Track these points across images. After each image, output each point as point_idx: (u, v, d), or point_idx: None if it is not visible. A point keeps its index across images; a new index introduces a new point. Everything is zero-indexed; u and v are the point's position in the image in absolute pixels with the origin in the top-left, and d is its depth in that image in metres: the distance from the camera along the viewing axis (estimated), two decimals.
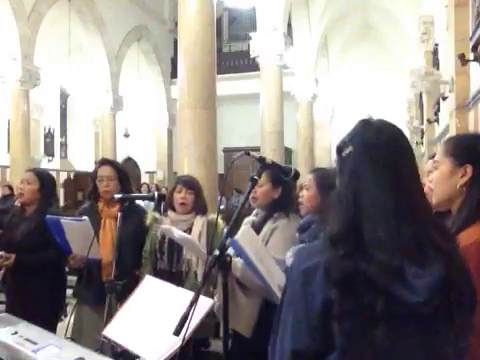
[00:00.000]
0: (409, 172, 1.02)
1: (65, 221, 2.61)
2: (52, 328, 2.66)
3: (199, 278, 2.57)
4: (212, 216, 2.79)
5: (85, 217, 2.63)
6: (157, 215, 2.80)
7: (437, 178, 1.48)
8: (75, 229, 2.61)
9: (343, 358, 0.92)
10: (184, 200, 2.71)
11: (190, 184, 2.78)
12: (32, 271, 2.86)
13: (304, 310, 0.96)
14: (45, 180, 3.09)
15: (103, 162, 3.01)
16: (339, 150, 1.07)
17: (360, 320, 0.90)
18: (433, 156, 2.02)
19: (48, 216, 2.68)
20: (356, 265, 0.91)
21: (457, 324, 0.94)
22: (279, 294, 2.03)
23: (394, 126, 1.07)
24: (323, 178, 2.26)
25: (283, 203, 2.47)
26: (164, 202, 2.82)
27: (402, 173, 1.00)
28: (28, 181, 3.01)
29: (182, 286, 2.23)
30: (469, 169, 1.40)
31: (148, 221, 2.78)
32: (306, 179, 2.31)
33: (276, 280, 2.07)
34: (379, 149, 1.00)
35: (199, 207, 2.77)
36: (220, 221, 2.78)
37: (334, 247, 0.95)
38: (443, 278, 0.90)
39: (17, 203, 3.17)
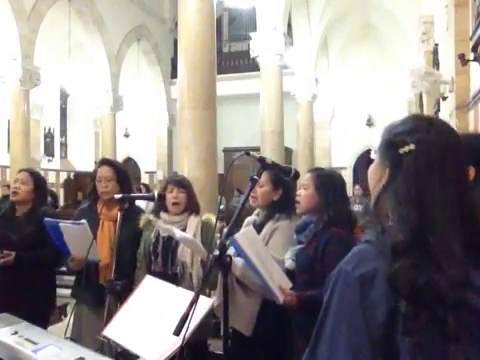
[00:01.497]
0: (465, 177, 0.98)
1: (64, 225, 2.60)
2: (43, 326, 2.65)
3: (194, 280, 2.55)
4: (206, 216, 2.77)
5: (83, 220, 2.61)
6: (151, 217, 2.77)
7: None
8: (74, 233, 2.60)
9: None
10: (176, 199, 2.68)
11: (181, 183, 2.74)
12: (25, 270, 2.86)
13: (363, 321, 0.87)
14: (38, 180, 3.12)
15: (102, 162, 2.99)
16: (394, 145, 0.96)
17: (433, 335, 0.84)
18: None
19: (46, 219, 2.67)
20: (427, 276, 0.84)
21: None
22: (278, 294, 2.04)
23: (452, 127, 1.01)
24: (321, 178, 2.26)
25: (284, 204, 2.47)
26: (157, 204, 2.78)
27: (463, 175, 0.95)
28: (23, 181, 3.01)
29: None
30: (472, 171, 1.40)
31: (141, 223, 2.75)
32: (304, 178, 2.31)
33: (276, 280, 2.07)
34: (445, 151, 0.93)
35: (192, 207, 2.74)
36: (215, 221, 2.76)
37: (401, 256, 0.87)
38: None
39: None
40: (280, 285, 2.07)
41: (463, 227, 0.89)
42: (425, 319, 0.83)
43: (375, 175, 1.01)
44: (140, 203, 4.85)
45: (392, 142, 0.96)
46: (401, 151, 0.94)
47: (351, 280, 0.89)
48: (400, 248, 0.87)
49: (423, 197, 0.90)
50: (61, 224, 2.60)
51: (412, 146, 0.93)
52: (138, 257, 2.75)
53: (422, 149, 0.93)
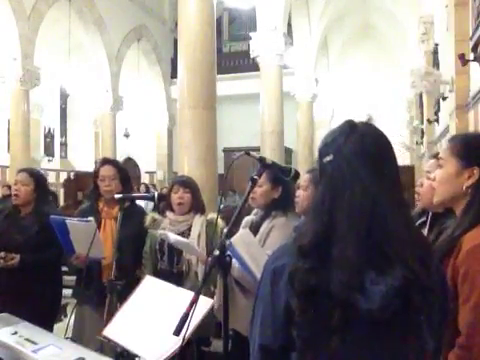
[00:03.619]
0: (391, 182, 0.99)
1: (70, 222, 2.59)
2: (49, 329, 2.66)
3: (200, 278, 2.58)
4: (211, 216, 2.79)
5: (91, 218, 2.62)
6: (156, 216, 2.80)
7: (441, 177, 1.47)
8: (80, 230, 2.60)
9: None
10: (181, 200, 2.71)
11: (186, 183, 2.78)
12: (29, 271, 2.86)
13: (270, 308, 1.00)
14: (39, 179, 3.08)
15: (105, 161, 3.00)
16: (320, 154, 1.03)
17: (318, 329, 0.92)
18: (435, 155, 2.01)
19: (52, 216, 2.66)
20: (319, 280, 0.92)
21: (425, 328, 0.94)
22: None
23: (380, 133, 1.02)
24: None
25: (283, 203, 2.47)
26: (162, 203, 2.81)
27: (384, 184, 0.97)
28: (23, 182, 2.98)
29: (182, 286, 2.23)
30: (476, 171, 1.39)
31: (147, 222, 2.78)
32: (303, 179, 2.31)
33: None
34: (361, 159, 0.96)
35: (197, 206, 2.77)
36: (219, 221, 2.78)
37: (301, 258, 0.95)
38: (398, 287, 0.90)
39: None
40: None
41: (369, 234, 0.93)
42: (311, 315, 0.92)
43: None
44: (140, 203, 4.85)
45: (320, 152, 1.03)
46: (324, 160, 1.01)
47: (268, 271, 1.03)
48: (303, 250, 0.96)
49: (333, 204, 0.96)
50: (68, 221, 2.59)
51: (331, 156, 0.99)
52: (144, 255, 2.78)
53: (337, 158, 0.98)
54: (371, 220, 0.94)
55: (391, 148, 1.02)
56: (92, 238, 2.46)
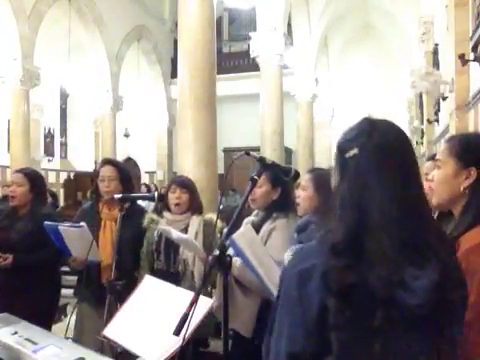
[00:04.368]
0: (414, 176, 1.00)
1: (63, 228, 2.59)
2: (47, 329, 2.65)
3: (196, 278, 2.58)
4: (208, 216, 2.79)
5: (83, 223, 2.61)
6: (154, 216, 2.80)
7: (439, 178, 1.46)
8: (73, 235, 2.60)
9: None
10: (178, 200, 2.71)
11: (184, 184, 2.78)
12: (27, 270, 2.86)
13: (300, 313, 0.94)
14: (34, 179, 3.06)
15: (105, 162, 2.99)
16: (342, 150, 1.02)
17: (358, 330, 0.90)
18: (432, 157, 2.01)
19: (46, 223, 2.65)
20: (357, 277, 0.90)
21: (447, 327, 0.94)
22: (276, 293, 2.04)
23: (399, 128, 1.03)
24: (320, 178, 2.25)
25: (282, 203, 2.46)
26: (160, 203, 2.81)
27: (408, 177, 0.98)
28: (18, 183, 2.97)
29: (179, 286, 2.23)
30: (473, 172, 1.39)
31: (145, 222, 2.78)
32: (303, 179, 2.31)
33: (274, 280, 2.07)
34: (387, 153, 0.97)
35: (194, 207, 2.76)
36: (218, 221, 2.78)
37: (335, 256, 0.92)
38: (438, 280, 0.90)
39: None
40: (278, 285, 2.06)
41: (401, 227, 0.93)
42: (351, 315, 0.89)
43: (333, 179, 1.07)
44: (142, 203, 4.85)
45: (341, 147, 1.03)
46: (347, 156, 1.00)
47: (292, 274, 0.97)
48: (337, 248, 0.93)
49: (362, 199, 0.95)
50: (60, 227, 2.59)
51: (356, 150, 0.98)
52: (141, 256, 2.77)
53: (363, 153, 0.98)
54: (402, 213, 0.93)
55: (411, 142, 1.04)
56: (87, 243, 2.46)
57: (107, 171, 2.85)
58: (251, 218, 2.62)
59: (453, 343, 0.97)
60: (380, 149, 0.97)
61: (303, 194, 2.28)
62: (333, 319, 0.90)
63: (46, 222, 2.67)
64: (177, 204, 2.71)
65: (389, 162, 0.97)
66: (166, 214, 2.76)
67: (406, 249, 0.92)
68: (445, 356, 0.96)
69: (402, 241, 0.92)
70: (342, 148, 1.02)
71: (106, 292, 2.40)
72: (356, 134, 1.01)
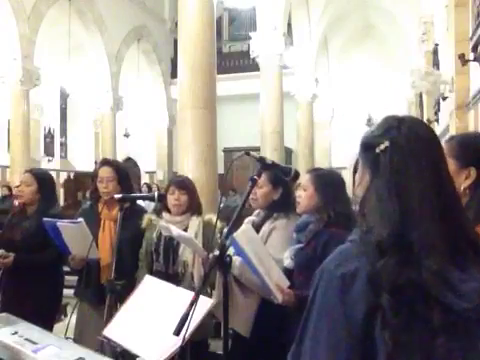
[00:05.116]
0: (445, 168, 0.98)
1: (61, 224, 2.60)
2: (49, 329, 2.66)
3: (195, 279, 2.56)
4: (208, 216, 2.78)
5: (81, 219, 2.62)
6: (152, 217, 2.78)
7: None
8: (72, 231, 2.60)
9: None
10: (177, 201, 2.69)
11: (183, 185, 2.76)
12: (29, 271, 2.86)
13: (343, 319, 0.88)
14: (43, 180, 3.07)
15: (103, 163, 2.99)
16: (369, 146, 0.99)
17: (416, 331, 0.85)
18: None
19: (45, 219, 2.66)
20: (411, 273, 0.86)
21: None
22: (277, 293, 2.04)
23: (424, 122, 1.02)
24: (321, 178, 2.26)
25: (283, 204, 2.47)
26: (159, 204, 2.80)
27: (441, 169, 0.96)
28: (26, 183, 2.99)
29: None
30: (473, 172, 1.39)
31: (144, 223, 2.76)
32: (303, 179, 2.31)
33: (274, 279, 2.07)
34: (420, 144, 0.95)
35: (193, 207, 2.75)
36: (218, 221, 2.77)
37: (383, 255, 0.88)
38: None
39: (15, 203, 3.17)
40: (278, 284, 2.07)
41: (441, 220, 0.90)
42: (406, 314, 0.85)
43: (358, 178, 1.04)
44: (142, 203, 4.85)
45: (369, 143, 1.00)
46: (377, 150, 0.97)
47: (333, 278, 0.91)
48: (384, 245, 0.89)
49: (402, 192, 0.92)
50: (59, 223, 2.60)
51: (387, 143, 0.96)
52: (140, 257, 2.76)
53: (396, 145, 0.95)
54: (442, 206, 0.91)
55: (436, 135, 1.02)
56: (85, 240, 2.46)
57: (105, 172, 2.85)
58: (252, 218, 2.63)
59: None
60: (411, 141, 0.95)
61: (304, 194, 2.28)
62: (387, 320, 0.85)
63: (45, 219, 2.67)
64: (176, 205, 2.70)
65: (421, 153, 0.94)
66: (165, 215, 2.74)
67: (450, 243, 0.89)
68: None
69: (445, 234, 0.90)
70: (370, 144, 0.99)
71: (106, 292, 2.40)
72: (384, 129, 0.99)
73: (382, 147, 0.96)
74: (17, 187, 3.13)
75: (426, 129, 1.01)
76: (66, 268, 3.16)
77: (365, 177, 1.00)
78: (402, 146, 0.95)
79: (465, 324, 0.86)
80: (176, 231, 2.41)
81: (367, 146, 1.00)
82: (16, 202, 3.13)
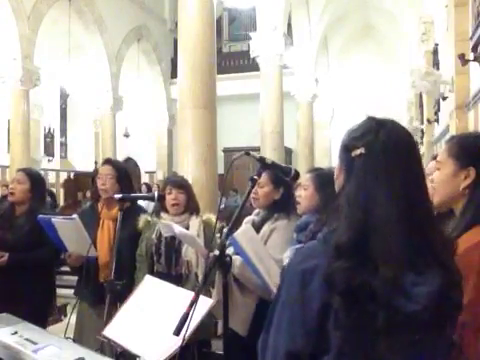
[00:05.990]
0: (419, 178, 0.99)
1: (56, 220, 2.60)
2: (42, 325, 2.65)
3: (200, 280, 2.55)
4: (207, 216, 2.77)
5: (75, 215, 2.62)
6: (149, 218, 2.76)
7: (440, 179, 1.47)
8: (67, 228, 2.61)
9: None
10: (176, 201, 2.67)
11: (179, 184, 2.74)
12: (22, 270, 2.85)
13: (300, 312, 0.94)
14: (36, 180, 3.09)
15: (104, 161, 3.02)
16: (348, 148, 1.01)
17: (363, 331, 0.90)
18: (435, 157, 2.01)
19: (40, 216, 2.67)
20: (363, 278, 0.90)
21: (448, 329, 0.94)
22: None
23: (404, 128, 1.03)
24: (321, 178, 2.26)
25: (284, 204, 2.47)
26: (156, 204, 2.79)
27: (414, 179, 0.97)
28: (19, 181, 3.00)
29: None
30: (472, 172, 1.39)
31: (140, 224, 2.74)
32: (303, 179, 2.31)
33: (274, 279, 2.07)
34: (394, 153, 0.96)
35: (192, 207, 2.74)
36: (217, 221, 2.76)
37: (340, 257, 0.91)
38: (440, 286, 0.89)
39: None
40: (278, 284, 2.07)
41: (405, 227, 0.92)
42: (356, 315, 0.89)
43: (335, 174, 1.07)
44: (142, 203, 4.85)
45: (346, 146, 1.01)
46: (353, 154, 0.99)
47: (295, 273, 0.97)
48: (342, 249, 0.92)
49: (369, 199, 0.94)
50: (53, 220, 2.60)
51: (362, 149, 0.97)
52: (138, 258, 2.74)
53: (370, 152, 0.97)
54: (407, 214, 0.93)
55: (416, 143, 1.04)
56: (81, 237, 2.46)
57: (105, 170, 2.86)
58: (252, 217, 2.62)
59: (450, 347, 0.97)
60: (387, 148, 0.96)
61: (304, 194, 2.28)
62: (339, 319, 0.90)
63: (40, 216, 2.67)
64: (174, 205, 2.68)
65: (395, 162, 0.96)
66: (164, 215, 2.71)
67: (409, 250, 0.91)
68: (444, 357, 0.96)
69: (406, 242, 0.91)
70: (348, 146, 1.01)
71: (106, 292, 2.40)
72: (362, 133, 1.00)
73: (357, 152, 0.98)
74: (6, 187, 3.14)
75: (404, 136, 1.01)
76: (66, 268, 3.16)
77: (340, 176, 1.04)
78: (377, 154, 0.96)
79: (413, 324, 0.89)
80: (178, 229, 2.39)
81: (345, 148, 1.02)
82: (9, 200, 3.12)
